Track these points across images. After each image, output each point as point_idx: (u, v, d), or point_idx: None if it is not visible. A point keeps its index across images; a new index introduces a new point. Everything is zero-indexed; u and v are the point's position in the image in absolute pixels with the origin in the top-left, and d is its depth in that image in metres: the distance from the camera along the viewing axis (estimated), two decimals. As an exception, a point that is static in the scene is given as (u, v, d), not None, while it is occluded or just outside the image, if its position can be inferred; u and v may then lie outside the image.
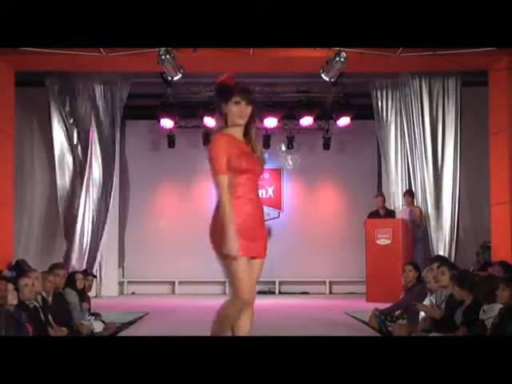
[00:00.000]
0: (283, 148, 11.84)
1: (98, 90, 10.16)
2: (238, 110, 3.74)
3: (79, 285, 7.34)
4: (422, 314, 6.21)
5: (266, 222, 3.92)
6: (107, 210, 10.34)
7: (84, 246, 10.15)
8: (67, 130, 10.14)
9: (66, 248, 10.18)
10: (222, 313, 3.74)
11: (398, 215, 9.77)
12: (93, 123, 10.17)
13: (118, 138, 10.60)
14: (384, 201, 10.20)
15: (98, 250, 10.26)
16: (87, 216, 10.18)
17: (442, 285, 6.12)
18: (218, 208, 3.66)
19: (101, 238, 10.28)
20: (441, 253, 9.49)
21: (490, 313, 4.88)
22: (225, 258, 3.64)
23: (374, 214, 10.12)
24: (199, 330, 4.10)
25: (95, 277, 9.36)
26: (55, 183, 10.35)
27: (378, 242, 9.49)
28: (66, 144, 10.20)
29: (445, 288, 6.05)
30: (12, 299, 5.03)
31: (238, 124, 3.78)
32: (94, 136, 10.20)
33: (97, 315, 7.32)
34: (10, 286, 5.04)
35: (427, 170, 9.97)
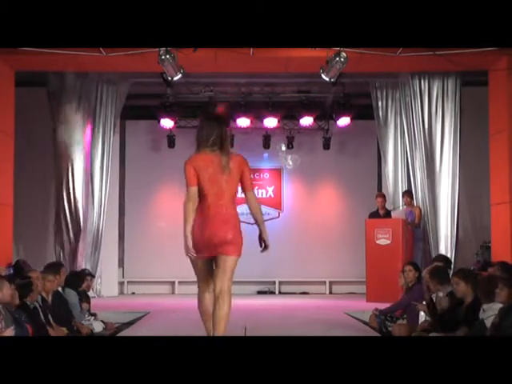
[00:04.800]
0: (283, 148, 11.82)
1: (98, 90, 10.16)
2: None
3: (85, 286, 7.37)
4: (422, 313, 6.22)
5: None
6: (106, 209, 10.35)
7: (86, 245, 10.14)
8: (67, 130, 10.12)
9: (66, 248, 10.17)
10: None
11: (394, 216, 9.73)
12: (93, 123, 10.16)
13: (117, 138, 10.58)
14: (384, 201, 10.19)
15: (97, 250, 10.25)
16: (89, 215, 10.18)
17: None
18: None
19: (101, 237, 10.29)
20: (441, 253, 9.47)
21: (490, 312, 4.88)
22: (237, 255, 4.56)
23: (374, 215, 10.10)
24: (199, 330, 4.11)
25: (93, 277, 9.36)
26: (57, 183, 10.34)
27: (377, 242, 9.48)
28: (66, 144, 10.18)
29: (443, 286, 6.06)
30: (14, 299, 5.03)
31: None
32: (93, 136, 10.19)
33: (94, 315, 7.33)
34: (13, 287, 5.04)
35: (427, 169, 9.95)
